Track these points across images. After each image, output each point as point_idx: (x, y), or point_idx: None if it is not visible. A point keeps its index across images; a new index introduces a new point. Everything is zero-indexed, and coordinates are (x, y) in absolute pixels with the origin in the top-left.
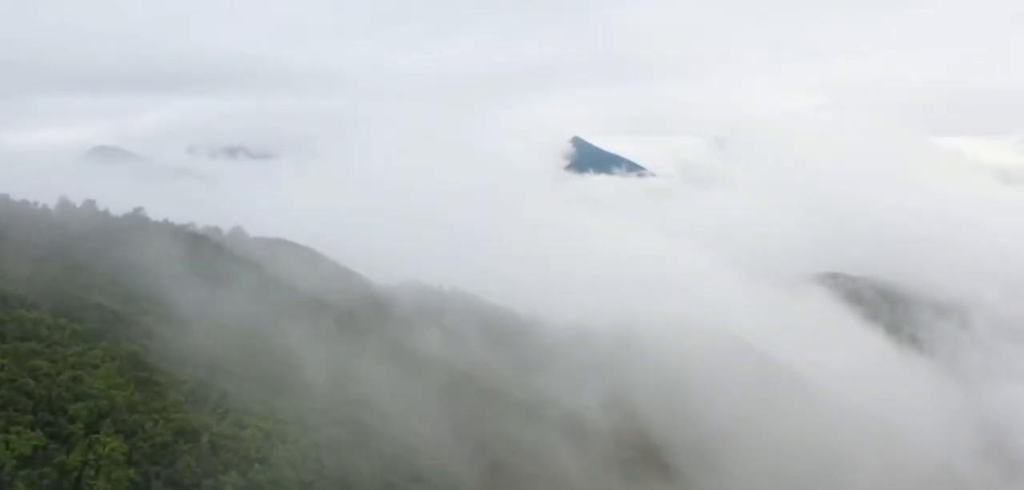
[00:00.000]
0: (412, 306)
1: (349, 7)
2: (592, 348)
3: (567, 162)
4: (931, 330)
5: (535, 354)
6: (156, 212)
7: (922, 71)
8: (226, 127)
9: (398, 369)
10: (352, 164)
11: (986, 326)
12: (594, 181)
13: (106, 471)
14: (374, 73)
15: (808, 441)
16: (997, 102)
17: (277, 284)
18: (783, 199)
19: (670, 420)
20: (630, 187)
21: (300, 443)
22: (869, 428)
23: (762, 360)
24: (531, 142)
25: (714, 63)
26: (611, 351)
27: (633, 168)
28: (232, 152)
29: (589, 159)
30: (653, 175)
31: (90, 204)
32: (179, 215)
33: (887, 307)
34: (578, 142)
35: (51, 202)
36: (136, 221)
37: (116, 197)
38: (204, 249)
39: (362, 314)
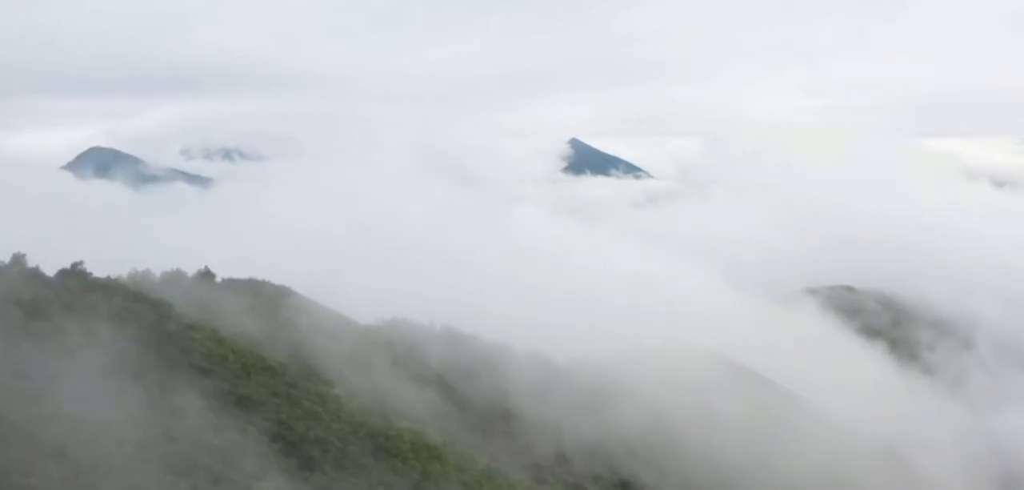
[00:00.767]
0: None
1: (347, 10)
2: (575, 383)
3: (565, 164)
4: (934, 349)
5: (502, 399)
6: (141, 220)
7: (920, 73)
8: (222, 129)
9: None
10: (337, 176)
11: (989, 345)
12: (591, 183)
13: None
14: (373, 75)
15: (814, 472)
16: (994, 103)
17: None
18: (777, 207)
19: (662, 460)
20: (628, 189)
21: None
22: (879, 456)
23: (761, 385)
24: (529, 145)
25: (713, 65)
26: (596, 385)
27: (631, 170)
28: (227, 154)
29: (587, 161)
30: (651, 177)
31: None
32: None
33: (888, 322)
34: (576, 144)
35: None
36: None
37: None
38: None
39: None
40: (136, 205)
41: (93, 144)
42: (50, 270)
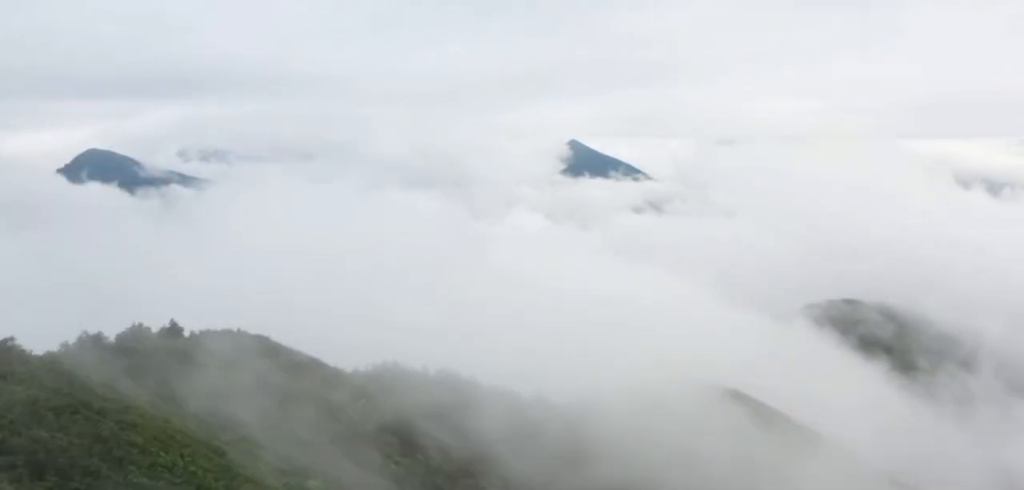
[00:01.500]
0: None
1: (346, 12)
2: (555, 431)
3: (563, 166)
4: (936, 370)
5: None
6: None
7: (920, 74)
8: (219, 131)
9: None
10: (323, 193)
11: (992, 364)
12: (590, 185)
13: None
14: (372, 77)
15: None
16: (994, 104)
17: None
18: (775, 215)
19: None
20: (626, 192)
21: None
22: (882, 485)
23: (759, 412)
24: (527, 146)
25: (713, 67)
26: (581, 430)
27: (631, 171)
28: (223, 155)
29: (586, 162)
30: (650, 178)
31: None
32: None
33: (890, 335)
34: (575, 145)
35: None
36: None
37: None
38: None
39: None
40: (128, 210)
41: (90, 146)
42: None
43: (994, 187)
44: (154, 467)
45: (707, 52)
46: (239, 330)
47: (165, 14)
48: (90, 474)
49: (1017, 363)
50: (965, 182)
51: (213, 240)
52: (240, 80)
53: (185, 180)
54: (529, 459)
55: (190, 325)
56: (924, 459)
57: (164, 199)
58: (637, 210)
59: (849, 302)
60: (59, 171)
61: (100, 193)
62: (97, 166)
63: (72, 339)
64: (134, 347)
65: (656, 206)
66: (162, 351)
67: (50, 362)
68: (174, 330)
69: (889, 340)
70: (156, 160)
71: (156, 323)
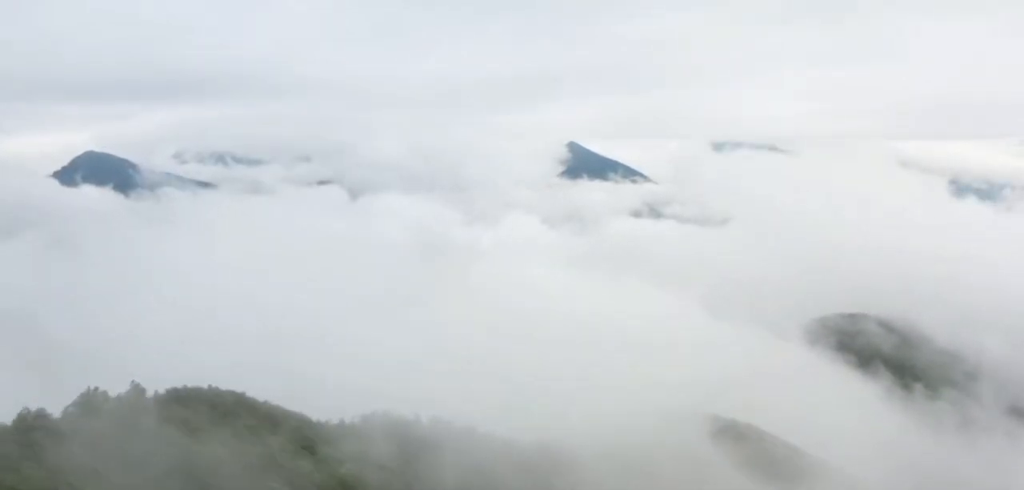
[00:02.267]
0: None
1: (344, 15)
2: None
3: (562, 168)
4: (939, 389)
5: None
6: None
7: (920, 76)
8: (216, 133)
9: None
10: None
11: (992, 384)
12: (588, 187)
13: None
14: (372, 80)
15: None
16: (994, 105)
17: None
18: (773, 222)
19: None
20: (625, 196)
21: None
22: None
23: (754, 439)
24: (526, 148)
25: (713, 69)
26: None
27: (629, 173)
28: (220, 158)
29: (585, 164)
30: (649, 180)
31: None
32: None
33: (889, 357)
34: (574, 147)
35: None
36: None
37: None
38: None
39: None
40: (118, 215)
41: (88, 148)
42: None
43: (994, 188)
44: None
45: (708, 54)
46: (211, 387)
47: (164, 17)
48: None
49: (1019, 380)
50: (965, 183)
51: (192, 263)
52: (239, 83)
53: (181, 183)
54: None
55: (158, 375)
56: (925, 481)
57: (158, 202)
58: (635, 214)
59: (848, 316)
60: (53, 174)
61: (92, 197)
62: (92, 169)
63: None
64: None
65: (655, 209)
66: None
67: None
68: (137, 391)
69: (889, 356)
70: (153, 162)
71: (116, 377)
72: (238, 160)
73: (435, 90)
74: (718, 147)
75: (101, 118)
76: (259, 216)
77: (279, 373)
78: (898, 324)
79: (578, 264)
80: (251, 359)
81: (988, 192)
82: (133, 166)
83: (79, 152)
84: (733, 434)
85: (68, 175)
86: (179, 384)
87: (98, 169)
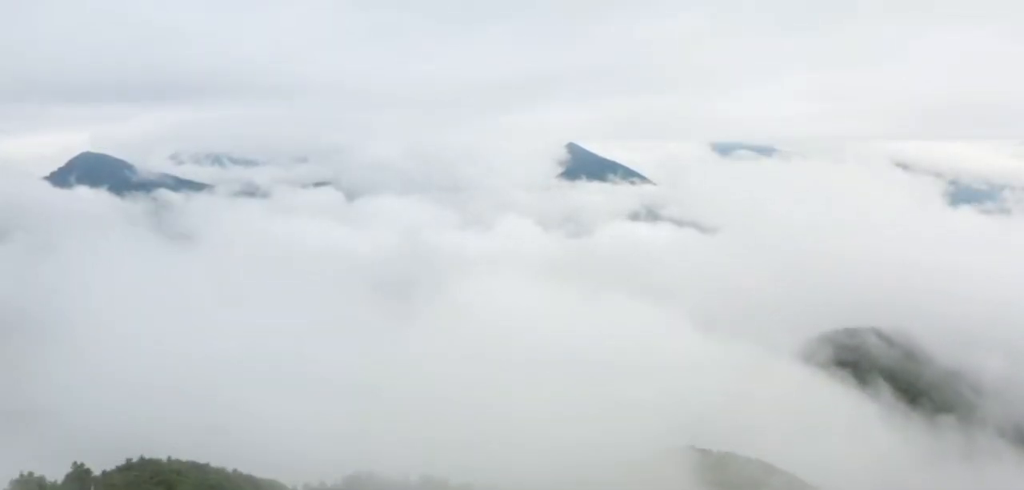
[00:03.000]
0: None
1: (343, 17)
2: None
3: (561, 169)
4: (938, 410)
5: None
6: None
7: (920, 77)
8: (214, 133)
9: None
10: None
11: (993, 404)
12: (586, 189)
13: None
14: (372, 81)
15: None
16: (994, 106)
17: None
18: (770, 231)
19: None
20: (623, 198)
21: None
22: None
23: (744, 469)
24: (525, 149)
25: (713, 70)
26: None
27: (629, 175)
28: (217, 159)
29: (584, 166)
30: (648, 182)
31: None
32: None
33: (892, 362)
34: (573, 148)
35: None
36: None
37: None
38: None
39: None
40: (110, 218)
41: (84, 149)
42: None
43: (994, 189)
44: None
45: (708, 55)
46: (171, 459)
47: (163, 18)
48: None
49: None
50: (964, 184)
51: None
52: (236, 84)
53: (177, 184)
54: None
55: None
56: None
57: (153, 204)
58: (633, 216)
59: (845, 331)
60: (47, 177)
61: (86, 198)
62: (88, 170)
63: None
64: None
65: (652, 212)
66: None
67: None
68: (79, 472)
69: (889, 371)
70: (149, 163)
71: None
72: (235, 161)
73: (434, 91)
74: (717, 148)
75: (98, 119)
76: (250, 222)
77: (244, 424)
78: (898, 338)
79: (566, 273)
80: (219, 402)
81: (988, 193)
82: (129, 167)
83: (76, 153)
84: (715, 465)
85: (63, 177)
86: (130, 447)
87: (94, 170)
